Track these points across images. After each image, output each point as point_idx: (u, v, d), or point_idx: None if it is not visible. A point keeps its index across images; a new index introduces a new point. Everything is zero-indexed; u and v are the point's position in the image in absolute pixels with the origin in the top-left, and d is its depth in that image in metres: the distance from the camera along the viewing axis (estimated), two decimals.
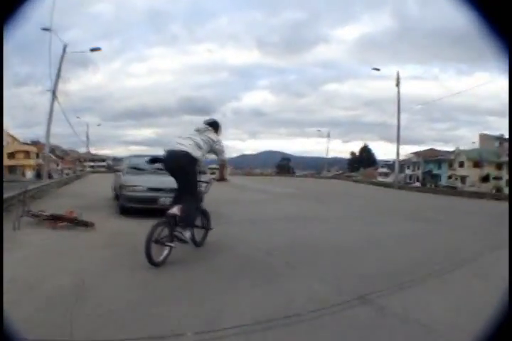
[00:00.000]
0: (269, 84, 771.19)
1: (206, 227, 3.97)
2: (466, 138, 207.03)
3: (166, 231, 3.24)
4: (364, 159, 72.66)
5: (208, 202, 4.77)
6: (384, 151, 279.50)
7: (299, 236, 4.97)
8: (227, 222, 5.77)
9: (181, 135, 3.58)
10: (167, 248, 3.21)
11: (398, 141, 24.40)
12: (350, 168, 71.78)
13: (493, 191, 33.84)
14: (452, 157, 45.06)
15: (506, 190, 34.35)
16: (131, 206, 6.06)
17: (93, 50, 17.50)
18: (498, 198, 15.53)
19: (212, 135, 3.62)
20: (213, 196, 5.14)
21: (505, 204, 10.18)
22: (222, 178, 3.90)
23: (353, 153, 77.16)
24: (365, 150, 76.24)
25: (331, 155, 41.85)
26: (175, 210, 3.29)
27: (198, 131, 3.61)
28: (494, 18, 1.06)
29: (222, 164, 3.78)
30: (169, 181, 3.81)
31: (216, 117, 4.69)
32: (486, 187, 35.64)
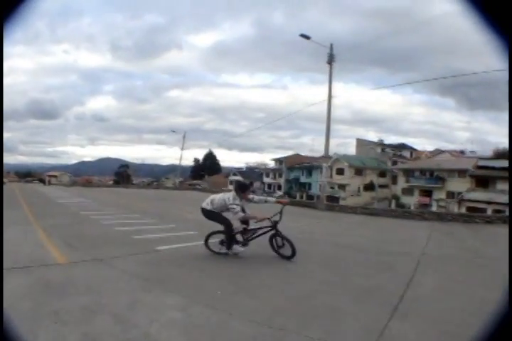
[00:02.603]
0: (114, 89, 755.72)
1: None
2: (309, 145, 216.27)
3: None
4: (208, 166, 68.01)
5: None
6: (223, 158, 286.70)
7: None
8: None
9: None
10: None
11: (327, 138, 16.07)
12: (194, 175, 66.57)
13: (392, 200, 33.62)
14: (328, 164, 41.91)
15: (405, 200, 32.58)
16: None
17: None
18: None
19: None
20: None
21: None
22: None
23: (196, 160, 71.17)
24: (210, 157, 70.68)
25: (169, 162, 40.55)
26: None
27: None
28: (494, 17, 1.08)
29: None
30: None
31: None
32: (370, 196, 36.13)
